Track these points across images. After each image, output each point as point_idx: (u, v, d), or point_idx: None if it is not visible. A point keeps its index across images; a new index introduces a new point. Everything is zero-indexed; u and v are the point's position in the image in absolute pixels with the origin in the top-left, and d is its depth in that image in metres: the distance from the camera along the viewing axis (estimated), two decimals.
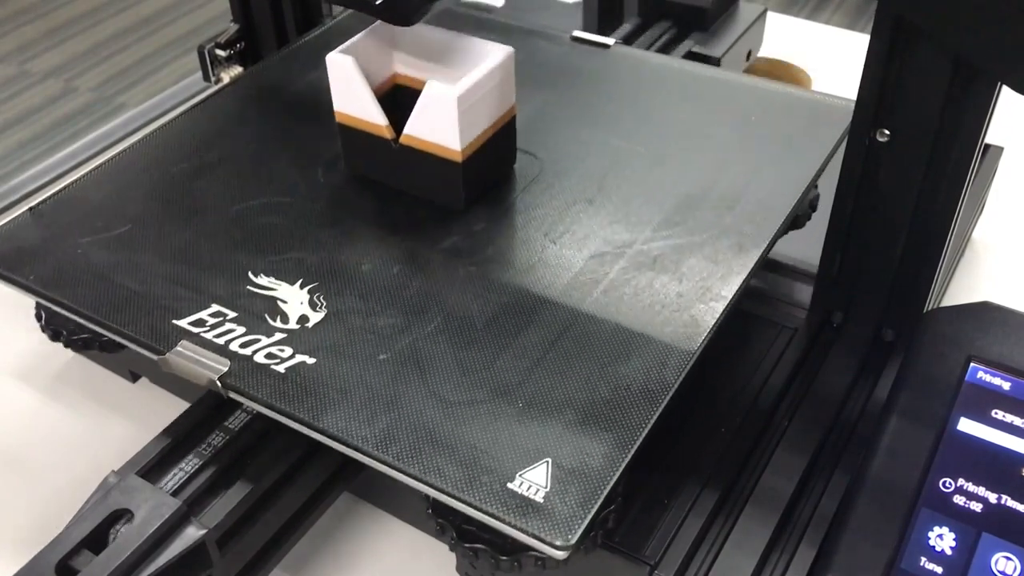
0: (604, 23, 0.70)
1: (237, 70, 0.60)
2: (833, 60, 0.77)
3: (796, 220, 0.49)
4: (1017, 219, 0.62)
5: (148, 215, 0.47)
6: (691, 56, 0.62)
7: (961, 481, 0.37)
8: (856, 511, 0.37)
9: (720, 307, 0.41)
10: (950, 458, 0.38)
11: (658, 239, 0.44)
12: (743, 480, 0.43)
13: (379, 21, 0.46)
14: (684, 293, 0.41)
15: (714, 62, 0.62)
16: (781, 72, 0.78)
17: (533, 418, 0.36)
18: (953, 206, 0.43)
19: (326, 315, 0.41)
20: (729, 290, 0.41)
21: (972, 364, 0.40)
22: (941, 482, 0.37)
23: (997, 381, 0.40)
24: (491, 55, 0.45)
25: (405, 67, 0.48)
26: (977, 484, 0.37)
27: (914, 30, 0.40)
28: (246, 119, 0.54)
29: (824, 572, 0.36)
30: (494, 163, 0.47)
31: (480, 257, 0.44)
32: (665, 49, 0.63)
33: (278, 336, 0.40)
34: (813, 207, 0.51)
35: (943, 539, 0.36)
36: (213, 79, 0.61)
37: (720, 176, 0.48)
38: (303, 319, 0.41)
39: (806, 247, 0.52)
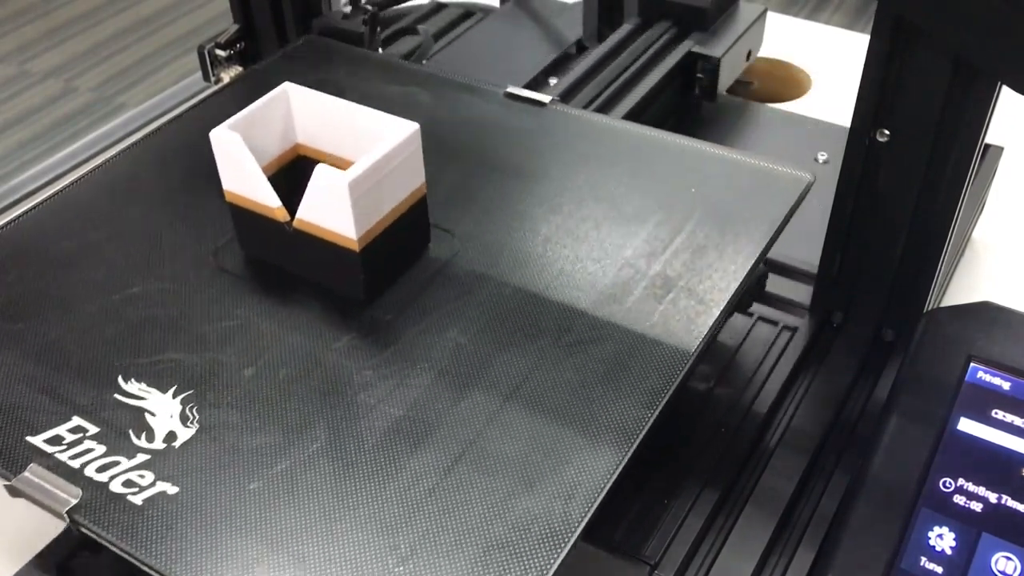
0: (604, 23, 0.70)
1: (237, 70, 0.60)
2: (833, 60, 0.77)
3: (741, 302, 0.44)
4: (1017, 219, 0.62)
5: (18, 306, 0.42)
6: (691, 56, 0.62)
7: (961, 481, 0.37)
8: (856, 511, 0.37)
9: (631, 444, 0.35)
10: (950, 458, 0.38)
11: (576, 343, 0.39)
12: (743, 480, 0.43)
13: (278, 88, 0.43)
14: (591, 421, 0.36)
15: (714, 62, 0.61)
16: (781, 72, 0.78)
17: (416, 567, 0.32)
18: (953, 206, 0.43)
19: (197, 431, 0.37)
20: (639, 424, 0.36)
21: (972, 364, 0.40)
22: (941, 482, 0.37)
23: (997, 381, 0.40)
24: (393, 132, 0.40)
25: (307, 138, 0.44)
26: (977, 484, 0.37)
27: (914, 30, 0.40)
28: (146, 186, 0.49)
29: (824, 572, 0.36)
30: (402, 247, 0.43)
31: (377, 359, 0.39)
32: (665, 49, 0.63)
33: (140, 458, 0.36)
34: (761, 286, 0.48)
35: (943, 539, 0.36)
36: (213, 79, 0.61)
37: (653, 258, 0.42)
38: (171, 436, 0.36)
39: (806, 247, 0.52)
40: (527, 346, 0.39)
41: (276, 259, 0.43)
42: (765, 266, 0.46)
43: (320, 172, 0.38)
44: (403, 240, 0.42)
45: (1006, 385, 0.40)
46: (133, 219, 0.46)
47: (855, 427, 0.45)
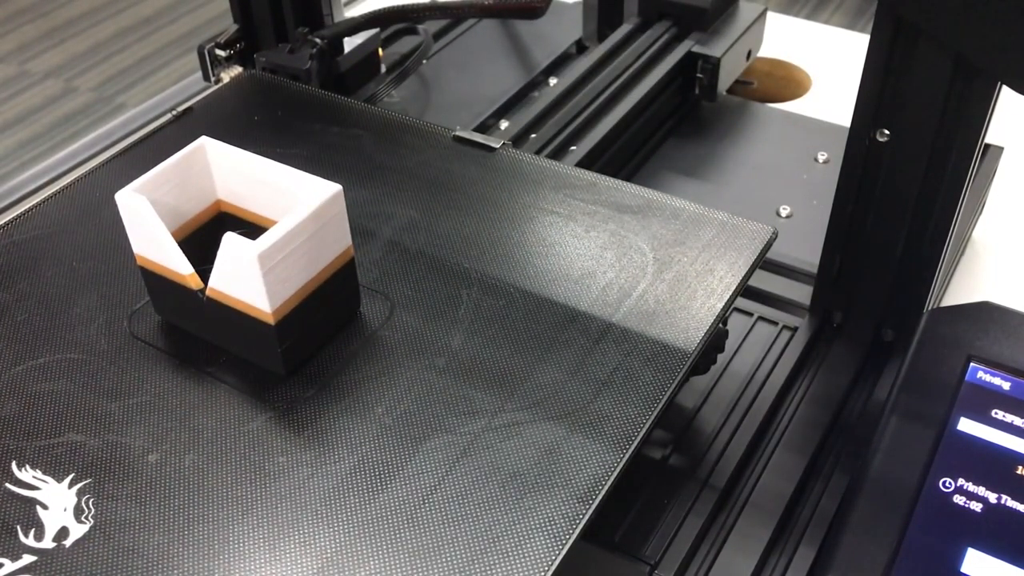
0: (604, 23, 0.70)
1: (237, 70, 0.60)
2: (833, 60, 0.77)
3: (699, 364, 0.41)
4: (1017, 219, 0.62)
5: None
6: (691, 56, 0.62)
7: (961, 481, 0.37)
8: (856, 511, 0.37)
9: (572, 531, 0.33)
10: (950, 458, 0.38)
11: (512, 423, 0.36)
12: (743, 480, 0.43)
13: (195, 142, 0.40)
14: (527, 511, 0.33)
15: (714, 62, 0.62)
16: (781, 72, 0.78)
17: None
18: (953, 206, 0.43)
19: (90, 528, 0.33)
20: (582, 507, 0.33)
21: (972, 364, 0.40)
22: (941, 482, 0.37)
23: (997, 381, 0.40)
24: (312, 195, 0.37)
25: (227, 195, 0.41)
26: (977, 484, 0.37)
27: (914, 30, 0.40)
28: (63, 242, 0.45)
29: (824, 572, 0.36)
30: (326, 316, 0.39)
31: (293, 443, 0.36)
32: (665, 49, 0.63)
33: (26, 560, 0.33)
34: (719, 348, 0.44)
35: (943, 538, 0.36)
36: (213, 79, 0.61)
37: (607, 325, 0.39)
38: (62, 534, 0.33)
39: (806, 247, 0.52)
40: (454, 435, 0.36)
41: (192, 327, 0.40)
42: (724, 325, 0.43)
43: (228, 241, 0.36)
44: (328, 308, 0.39)
45: (1006, 385, 0.40)
46: (46, 279, 0.43)
47: (855, 427, 0.45)
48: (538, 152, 0.55)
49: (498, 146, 0.49)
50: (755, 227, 0.43)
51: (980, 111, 0.40)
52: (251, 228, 0.41)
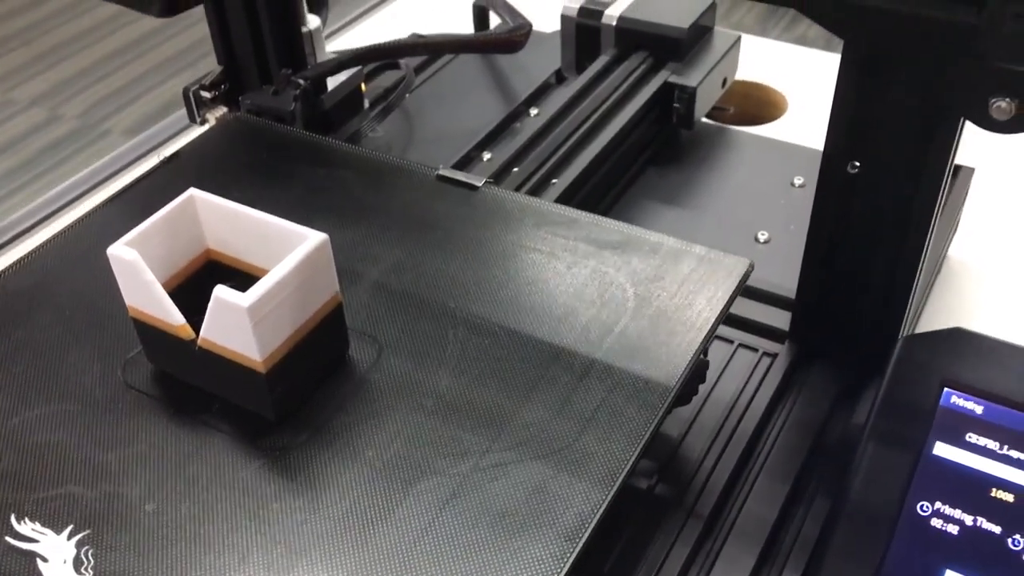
0: (582, 53, 0.71)
1: (222, 110, 0.61)
2: (809, 81, 0.79)
3: (679, 398, 0.42)
4: (989, 238, 0.63)
5: None
6: (668, 86, 0.63)
7: (938, 504, 0.38)
8: (838, 535, 0.38)
9: (560, 570, 0.33)
10: (927, 482, 0.39)
11: (497, 464, 0.37)
12: (727, 507, 0.44)
13: (183, 194, 0.41)
14: (516, 551, 0.34)
15: (690, 91, 0.63)
16: (758, 94, 0.79)
17: None
18: (924, 232, 0.45)
19: None
20: (569, 546, 0.34)
21: (946, 389, 0.42)
22: (919, 506, 0.38)
23: (970, 405, 0.41)
24: (300, 245, 0.38)
25: (217, 244, 0.42)
26: (953, 507, 0.38)
27: (884, 65, 0.41)
28: (56, 291, 0.46)
29: None
30: (315, 361, 0.40)
31: (286, 489, 0.37)
32: (642, 80, 0.64)
33: None
34: (701, 379, 0.46)
35: (922, 561, 0.37)
36: (199, 120, 0.62)
37: (590, 361, 0.40)
38: None
39: (784, 272, 0.53)
40: (442, 475, 0.37)
41: (185, 375, 0.41)
42: (705, 356, 0.44)
43: (219, 294, 0.36)
44: (317, 354, 0.40)
45: (979, 409, 0.41)
46: (41, 328, 0.44)
47: (836, 451, 0.46)
48: (521, 185, 0.56)
49: (480, 184, 0.50)
50: (732, 260, 0.44)
51: (946, 142, 0.42)
52: (241, 276, 0.41)
